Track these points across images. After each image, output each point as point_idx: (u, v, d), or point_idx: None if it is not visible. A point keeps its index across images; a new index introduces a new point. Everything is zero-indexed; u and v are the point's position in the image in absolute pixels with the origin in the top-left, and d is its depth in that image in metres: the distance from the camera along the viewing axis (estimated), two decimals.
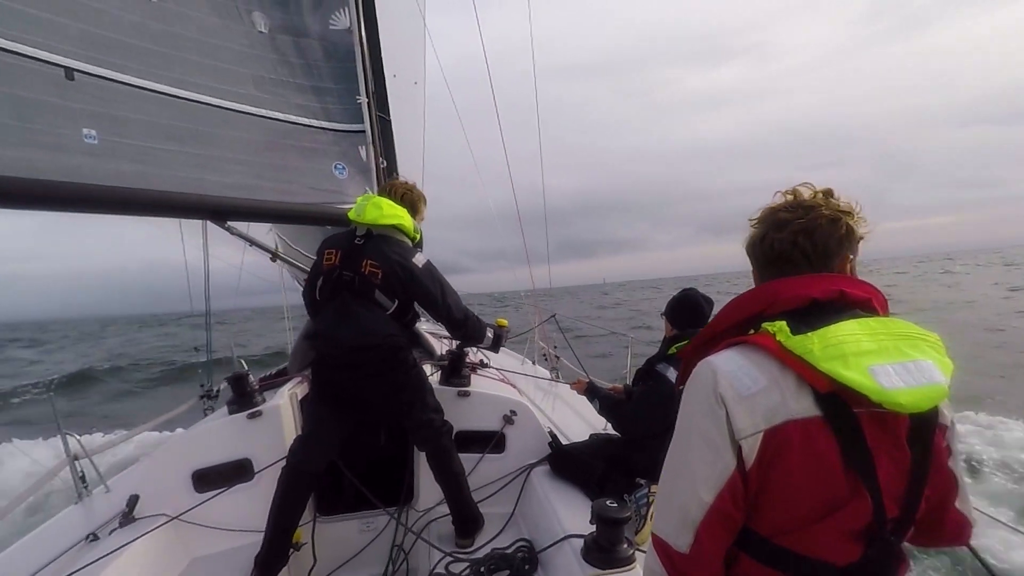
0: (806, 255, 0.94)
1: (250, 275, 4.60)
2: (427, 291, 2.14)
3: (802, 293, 0.89)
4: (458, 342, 2.66)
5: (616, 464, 2.25)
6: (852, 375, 0.78)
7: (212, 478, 2.19)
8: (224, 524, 2.13)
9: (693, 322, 2.20)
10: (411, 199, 2.35)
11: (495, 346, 2.41)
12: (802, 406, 0.82)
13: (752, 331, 0.92)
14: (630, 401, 2.41)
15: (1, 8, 2.29)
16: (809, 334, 0.82)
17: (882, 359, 0.80)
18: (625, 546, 1.72)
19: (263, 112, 3.17)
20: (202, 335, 3.38)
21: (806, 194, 0.98)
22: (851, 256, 0.97)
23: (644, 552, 1.77)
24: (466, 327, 2.24)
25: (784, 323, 0.85)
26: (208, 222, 2.98)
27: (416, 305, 2.23)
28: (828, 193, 0.97)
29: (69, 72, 2.47)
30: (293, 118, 3.29)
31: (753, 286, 1.02)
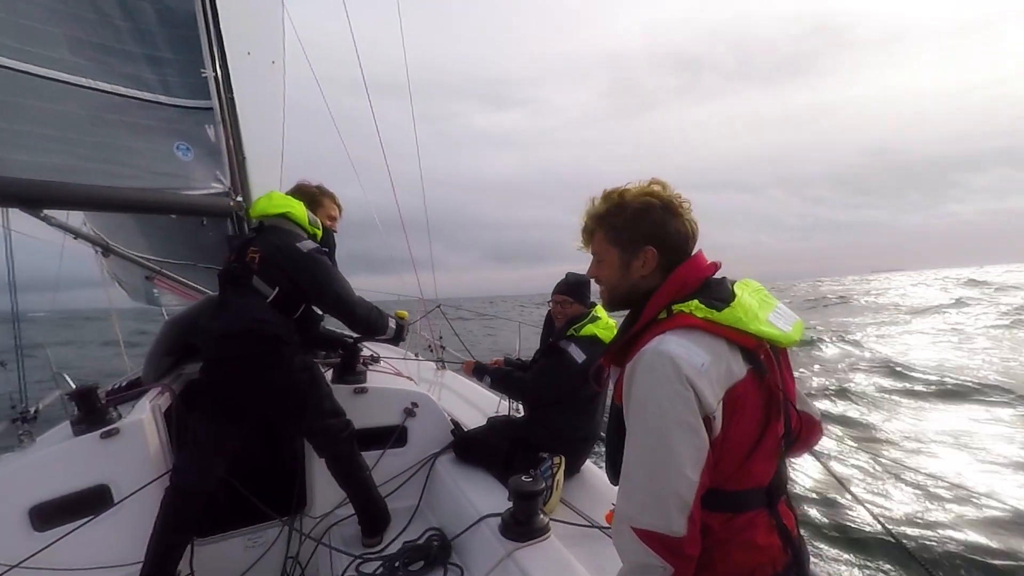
0: (695, 240, 1.09)
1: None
2: (311, 277, 1.98)
3: (701, 275, 1.05)
4: (354, 337, 2.52)
5: (519, 443, 2.32)
6: (768, 329, 0.99)
7: (57, 512, 1.81)
8: (81, 563, 1.77)
9: (589, 297, 2.42)
10: (308, 192, 2.25)
11: (397, 337, 2.31)
12: (739, 367, 0.96)
13: (663, 316, 1.01)
14: (528, 371, 2.50)
15: None
16: (733, 306, 0.98)
17: (767, 311, 1.04)
18: (540, 516, 1.79)
19: (82, 81, 2.67)
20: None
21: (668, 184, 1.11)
22: None
23: (555, 520, 1.87)
24: (365, 318, 2.11)
25: (697, 302, 0.97)
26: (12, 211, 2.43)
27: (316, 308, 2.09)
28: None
29: None
30: (121, 89, 2.82)
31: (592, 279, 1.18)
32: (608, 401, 2.39)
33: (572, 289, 2.41)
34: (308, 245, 2.01)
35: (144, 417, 2.00)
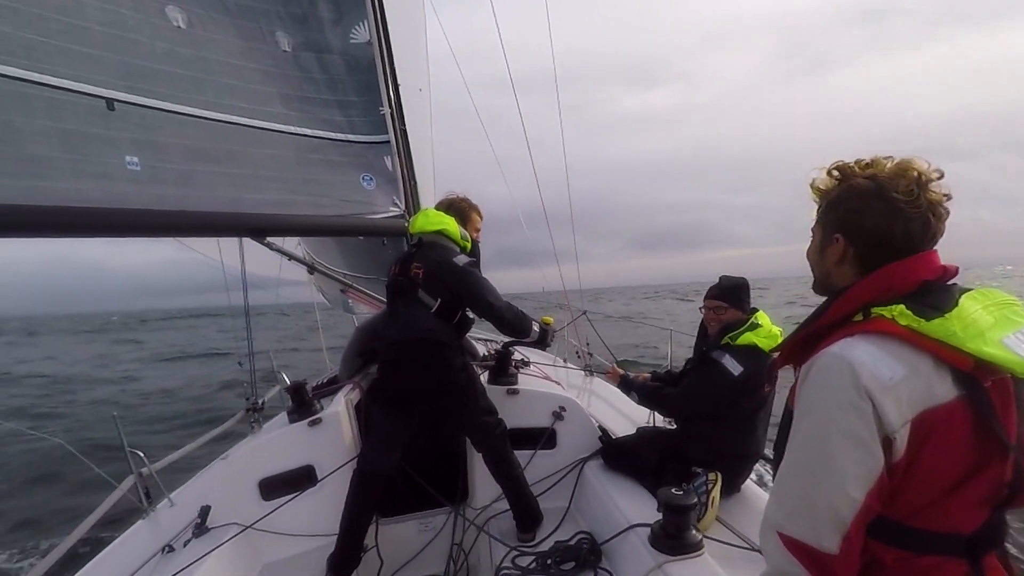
0: (927, 237, 0.92)
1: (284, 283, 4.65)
2: (467, 286, 2.19)
3: (917, 278, 0.89)
4: (504, 341, 2.71)
5: (670, 455, 2.26)
6: (993, 351, 0.80)
7: (278, 486, 2.23)
8: (292, 530, 2.17)
9: (749, 304, 2.28)
10: (458, 207, 2.44)
11: (541, 342, 2.44)
12: (944, 389, 0.82)
13: (860, 318, 0.89)
14: (677, 385, 2.43)
15: (45, 45, 2.37)
16: (948, 316, 0.82)
17: (1005, 330, 0.83)
18: (693, 532, 1.74)
19: (291, 129, 3.23)
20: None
21: (919, 166, 0.92)
22: None
23: (710, 539, 1.81)
24: (512, 321, 2.28)
25: (903, 307, 0.84)
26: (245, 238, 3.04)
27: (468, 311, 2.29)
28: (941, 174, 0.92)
29: (110, 103, 2.55)
30: (320, 133, 3.35)
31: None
32: (771, 411, 2.24)
33: (726, 293, 2.26)
34: (463, 259, 2.21)
35: (340, 410, 2.38)
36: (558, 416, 2.57)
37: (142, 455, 2.31)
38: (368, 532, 2.23)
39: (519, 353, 3.31)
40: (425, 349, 2.16)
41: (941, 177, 0.91)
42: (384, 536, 2.37)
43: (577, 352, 4.61)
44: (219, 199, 2.81)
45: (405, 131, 4.19)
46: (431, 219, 2.25)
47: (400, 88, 4.19)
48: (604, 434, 2.64)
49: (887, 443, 0.80)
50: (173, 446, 2.74)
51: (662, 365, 3.08)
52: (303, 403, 2.43)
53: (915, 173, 0.91)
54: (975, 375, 0.82)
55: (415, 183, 4.36)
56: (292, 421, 2.36)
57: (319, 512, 2.23)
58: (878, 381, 0.79)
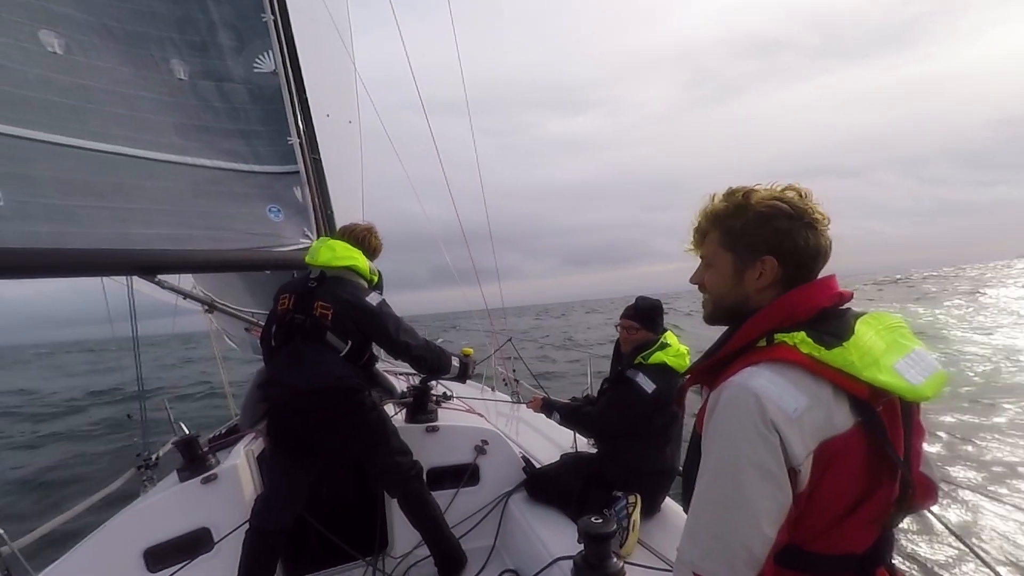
0: (828, 255, 0.94)
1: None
2: (382, 329, 2.08)
3: (816, 304, 0.90)
4: (422, 376, 2.59)
5: (592, 480, 2.25)
6: (888, 379, 0.82)
7: (168, 554, 1.99)
8: None
9: (662, 325, 2.34)
10: (368, 241, 2.32)
11: (462, 376, 2.36)
12: (843, 417, 0.83)
13: (762, 344, 0.90)
14: (595, 405, 2.44)
15: None
16: (846, 345, 0.83)
17: (896, 355, 0.86)
18: (614, 560, 1.71)
19: (188, 160, 3.03)
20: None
21: (805, 191, 0.95)
22: None
23: (632, 564, 1.79)
24: (430, 361, 2.18)
25: (804, 335, 0.84)
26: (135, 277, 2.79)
27: (374, 346, 2.17)
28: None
29: None
30: (221, 163, 3.17)
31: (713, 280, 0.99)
32: (685, 430, 2.29)
33: (640, 315, 2.33)
34: (375, 298, 2.10)
35: (238, 463, 2.18)
36: (480, 450, 2.50)
37: (1, 532, 2.01)
38: None
39: (442, 386, 3.22)
40: (337, 396, 2.01)
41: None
42: None
43: (504, 380, 4.57)
44: (103, 236, 2.57)
45: (318, 160, 4.06)
46: (338, 253, 2.12)
47: (320, 120, 4.08)
48: (528, 464, 2.58)
49: (793, 474, 0.80)
50: (46, 516, 2.40)
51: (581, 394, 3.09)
52: (195, 458, 2.19)
53: (811, 199, 0.94)
54: (870, 401, 0.83)
55: (330, 213, 4.22)
56: (183, 479, 2.13)
57: None
58: (784, 413, 0.79)
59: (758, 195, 0.95)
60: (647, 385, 2.16)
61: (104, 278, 3.16)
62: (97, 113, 2.73)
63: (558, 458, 2.61)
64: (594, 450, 2.63)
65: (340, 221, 4.02)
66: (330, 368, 2.00)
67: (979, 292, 29.97)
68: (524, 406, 3.88)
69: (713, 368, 0.95)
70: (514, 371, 4.51)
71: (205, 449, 2.27)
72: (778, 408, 0.79)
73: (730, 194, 0.97)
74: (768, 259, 0.93)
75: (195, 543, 2.03)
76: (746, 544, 0.79)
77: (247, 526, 2.05)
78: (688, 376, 1.04)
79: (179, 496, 2.07)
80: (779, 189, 0.95)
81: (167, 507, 2.05)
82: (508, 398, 4.14)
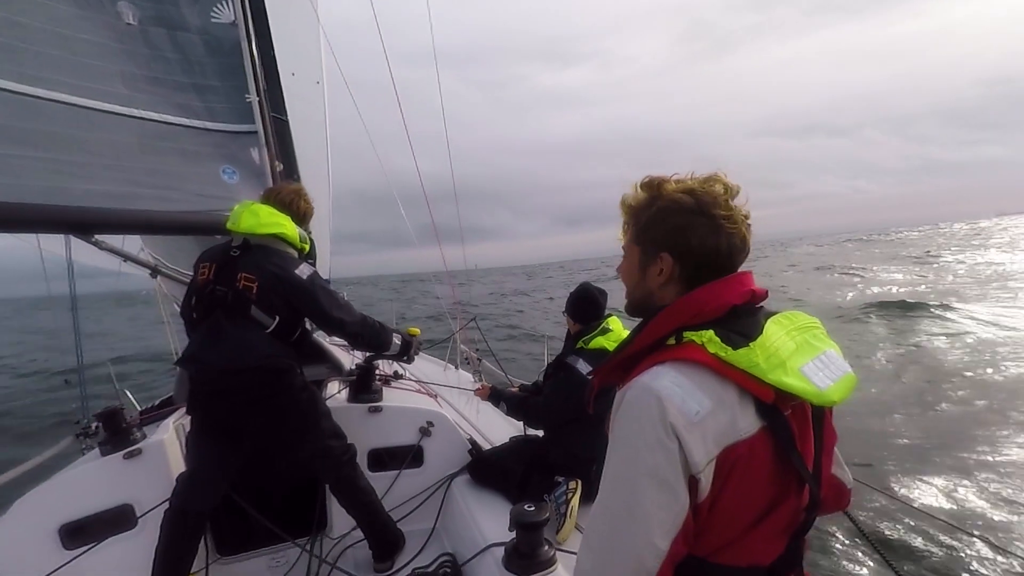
0: (744, 253, 0.90)
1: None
2: (313, 303, 1.94)
3: (727, 301, 0.86)
4: (368, 354, 2.49)
5: (535, 464, 2.23)
6: (793, 382, 0.79)
7: (85, 531, 1.90)
8: None
9: (595, 315, 2.28)
10: (296, 205, 2.15)
11: (404, 354, 2.27)
12: (748, 421, 0.79)
13: (671, 342, 0.85)
14: (540, 395, 2.42)
15: None
16: (752, 346, 0.79)
17: (804, 357, 0.83)
18: (546, 548, 1.69)
19: (136, 112, 2.85)
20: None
21: (726, 182, 0.91)
22: None
23: (566, 552, 1.77)
24: (368, 337, 2.08)
25: (712, 333, 0.80)
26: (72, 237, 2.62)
27: (308, 322, 2.06)
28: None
29: None
30: (172, 118, 2.99)
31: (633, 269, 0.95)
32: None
33: (570, 306, 2.34)
34: (306, 270, 1.96)
35: (165, 437, 2.09)
36: (425, 432, 2.45)
37: None
38: (204, 573, 1.97)
39: (397, 366, 3.14)
40: (263, 377, 1.88)
41: (738, 193, 0.90)
42: None
43: (467, 359, 4.52)
44: (34, 189, 2.41)
45: (283, 121, 3.87)
46: (262, 219, 1.95)
47: (286, 78, 3.87)
48: (474, 447, 2.55)
49: (693, 483, 0.77)
50: None
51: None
52: (117, 431, 2.07)
53: (723, 188, 0.89)
54: (776, 405, 0.80)
55: (297, 178, 4.03)
56: (104, 454, 2.02)
57: (140, 558, 1.91)
58: (685, 417, 0.76)
59: (667, 188, 0.91)
60: (586, 369, 2.14)
61: (39, 235, 2.98)
62: (32, 54, 2.54)
63: (508, 440, 2.58)
64: (542, 433, 2.60)
65: (309, 185, 3.86)
66: (254, 346, 1.86)
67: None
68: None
69: (623, 365, 0.92)
70: (477, 351, 4.46)
71: (135, 421, 2.17)
72: (679, 412, 0.76)
73: (647, 183, 0.93)
74: (665, 256, 0.90)
75: (116, 520, 1.95)
76: (637, 556, 0.76)
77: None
78: (595, 377, 1.00)
79: (99, 470, 1.98)
80: (702, 179, 0.90)
81: (85, 482, 1.96)
82: (471, 378, 4.09)
